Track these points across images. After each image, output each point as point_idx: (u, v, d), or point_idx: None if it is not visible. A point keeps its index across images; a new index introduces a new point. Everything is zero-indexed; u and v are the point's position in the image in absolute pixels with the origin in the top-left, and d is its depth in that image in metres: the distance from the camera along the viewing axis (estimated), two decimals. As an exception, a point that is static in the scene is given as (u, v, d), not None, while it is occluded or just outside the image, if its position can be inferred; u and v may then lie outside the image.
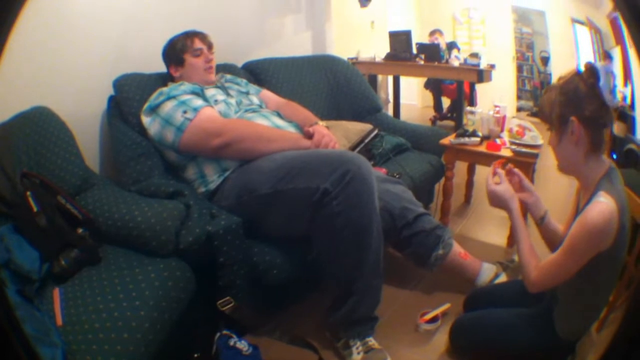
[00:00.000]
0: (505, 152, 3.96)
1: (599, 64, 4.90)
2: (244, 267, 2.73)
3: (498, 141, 4.12)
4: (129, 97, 3.25)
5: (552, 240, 2.60)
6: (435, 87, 8.57)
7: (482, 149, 4.11)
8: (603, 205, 2.07)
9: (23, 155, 2.62)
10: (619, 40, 4.64)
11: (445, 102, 8.68)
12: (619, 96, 4.24)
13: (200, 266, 2.59)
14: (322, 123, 3.33)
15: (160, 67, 3.48)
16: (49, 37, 3.03)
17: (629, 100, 4.00)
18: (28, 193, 2.35)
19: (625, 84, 4.15)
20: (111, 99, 3.36)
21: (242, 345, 2.43)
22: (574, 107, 2.16)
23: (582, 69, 2.20)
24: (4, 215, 2.43)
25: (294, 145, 3.04)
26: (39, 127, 2.78)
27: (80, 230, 2.44)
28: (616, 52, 4.74)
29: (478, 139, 4.16)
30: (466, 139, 4.15)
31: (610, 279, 2.32)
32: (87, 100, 3.33)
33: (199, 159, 3.06)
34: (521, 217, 2.53)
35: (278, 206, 2.76)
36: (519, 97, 9.21)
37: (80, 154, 2.94)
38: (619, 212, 2.08)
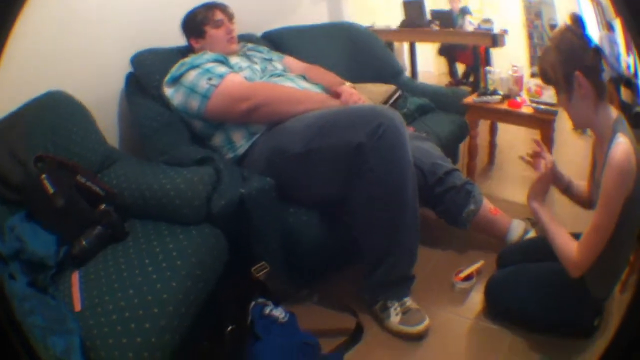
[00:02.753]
0: (526, 110, 3.94)
1: (603, 33, 4.84)
2: (279, 230, 2.65)
3: (518, 99, 4.02)
4: (149, 71, 3.15)
5: (582, 199, 2.63)
6: (449, 53, 8.49)
7: (504, 106, 4.06)
8: (623, 144, 2.06)
9: (37, 140, 2.51)
10: (619, 13, 4.53)
11: (460, 68, 8.59)
12: (623, 65, 4.20)
13: (234, 233, 2.49)
14: (348, 84, 3.25)
15: (176, 42, 3.39)
16: (61, 22, 2.91)
17: (632, 69, 3.92)
18: (43, 176, 2.24)
19: (628, 54, 4.09)
20: (129, 76, 3.25)
21: (278, 312, 2.36)
22: (575, 61, 2.13)
23: (568, 22, 2.20)
24: (15, 203, 2.30)
25: (322, 105, 2.93)
26: (54, 110, 2.68)
27: (102, 207, 2.33)
28: (617, 24, 4.63)
29: (500, 97, 4.10)
30: (488, 97, 4.09)
31: (632, 230, 2.25)
32: (104, 80, 3.22)
33: (226, 125, 2.95)
34: (548, 212, 2.51)
35: (311, 166, 2.65)
36: (531, 64, 9.15)
37: (100, 132, 2.86)
38: (635, 152, 2.07)
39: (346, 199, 2.64)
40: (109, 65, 3.22)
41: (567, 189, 2.64)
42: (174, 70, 2.98)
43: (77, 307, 1.85)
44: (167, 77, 3.00)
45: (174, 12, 3.31)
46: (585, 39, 2.14)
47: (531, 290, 2.54)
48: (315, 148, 2.61)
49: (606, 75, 2.18)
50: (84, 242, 2.17)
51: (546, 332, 2.54)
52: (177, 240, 2.24)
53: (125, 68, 3.22)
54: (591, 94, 2.14)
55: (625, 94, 3.68)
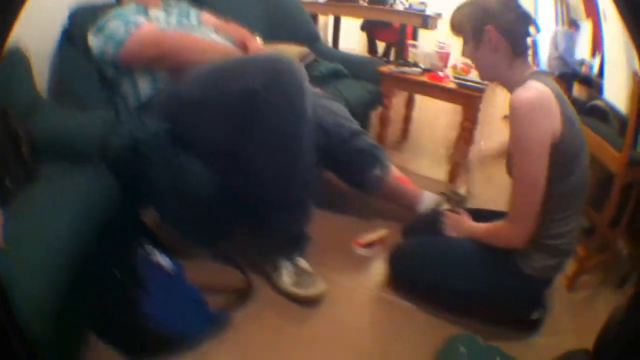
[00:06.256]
0: (449, 85, 3.94)
1: (560, 29, 4.97)
2: (171, 178, 2.67)
3: (440, 74, 4.05)
4: (81, 26, 3.23)
5: None
6: (370, 29, 8.53)
7: (424, 78, 4.10)
8: (531, 86, 2.15)
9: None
10: (591, 14, 4.66)
11: (381, 47, 8.65)
12: (581, 63, 4.34)
13: (127, 177, 2.54)
14: (258, 39, 3.38)
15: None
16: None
17: (596, 70, 4.07)
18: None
19: (594, 55, 4.23)
20: (65, 31, 3.33)
21: (164, 261, 2.35)
22: (489, 18, 2.26)
23: None
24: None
25: (227, 55, 3.02)
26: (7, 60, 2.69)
27: (23, 149, 2.40)
28: (586, 25, 4.75)
29: (420, 70, 4.17)
30: (407, 69, 4.13)
31: (562, 190, 2.25)
32: (46, 31, 3.29)
33: (134, 73, 3.04)
34: (478, 228, 2.55)
35: (206, 113, 2.69)
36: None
37: (33, 81, 2.93)
38: (556, 98, 2.13)
39: (240, 147, 2.65)
40: (53, 16, 3.29)
41: None
42: (100, 21, 3.07)
43: (1, 243, 1.90)
44: (93, 28, 3.08)
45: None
46: (509, 2, 2.27)
47: (448, 259, 2.54)
48: (210, 94, 2.65)
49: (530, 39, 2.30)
50: (7, 184, 2.24)
51: (466, 315, 2.48)
52: (71, 181, 2.33)
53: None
54: (503, 48, 2.26)
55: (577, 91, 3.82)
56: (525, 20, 2.26)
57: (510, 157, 2.29)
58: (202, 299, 2.38)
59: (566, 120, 2.12)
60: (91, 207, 2.24)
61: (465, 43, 2.39)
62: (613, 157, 2.71)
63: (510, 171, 2.35)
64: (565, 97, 2.18)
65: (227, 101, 2.60)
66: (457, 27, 2.40)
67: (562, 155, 2.13)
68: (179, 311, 2.28)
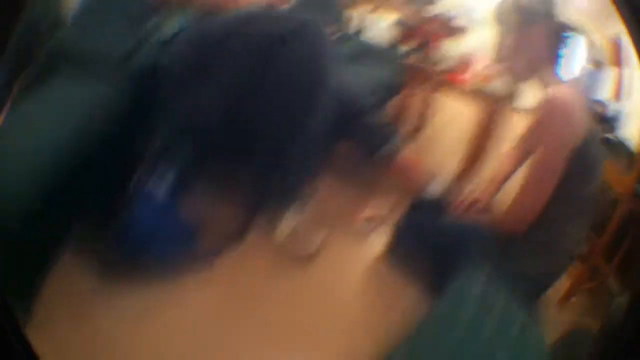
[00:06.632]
0: (470, 87, 3.88)
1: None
2: (180, 107, 2.58)
3: (463, 76, 4.00)
4: None
5: None
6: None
7: (445, 77, 3.96)
8: (568, 87, 2.00)
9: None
10: (614, 62, 4.71)
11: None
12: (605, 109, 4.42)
13: (141, 99, 2.42)
14: None
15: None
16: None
17: (613, 110, 4.15)
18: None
19: (618, 99, 4.29)
20: None
21: (158, 183, 2.26)
22: (542, 14, 2.11)
23: None
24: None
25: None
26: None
27: (40, 50, 2.38)
28: (611, 70, 4.79)
29: (443, 68, 4.03)
30: (430, 64, 4.05)
31: (584, 204, 2.20)
32: None
33: (165, 9, 3.00)
34: (482, 214, 2.49)
35: (227, 55, 2.62)
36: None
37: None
38: (586, 106, 2.04)
39: (254, 93, 2.62)
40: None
41: None
42: None
43: None
44: None
45: None
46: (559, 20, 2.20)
47: (447, 241, 2.50)
48: (236, 35, 2.58)
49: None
50: (16, 84, 2.22)
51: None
52: (83, 90, 2.13)
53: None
54: (551, 49, 2.12)
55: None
56: (567, 30, 2.25)
57: (525, 149, 2.26)
58: (190, 230, 2.34)
59: (590, 129, 2.07)
60: (97, 119, 2.19)
61: (506, 34, 2.34)
62: (620, 180, 2.68)
63: (523, 160, 2.33)
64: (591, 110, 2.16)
65: (252, 43, 2.58)
66: (504, 15, 2.34)
67: (582, 161, 2.09)
68: (160, 232, 2.23)
